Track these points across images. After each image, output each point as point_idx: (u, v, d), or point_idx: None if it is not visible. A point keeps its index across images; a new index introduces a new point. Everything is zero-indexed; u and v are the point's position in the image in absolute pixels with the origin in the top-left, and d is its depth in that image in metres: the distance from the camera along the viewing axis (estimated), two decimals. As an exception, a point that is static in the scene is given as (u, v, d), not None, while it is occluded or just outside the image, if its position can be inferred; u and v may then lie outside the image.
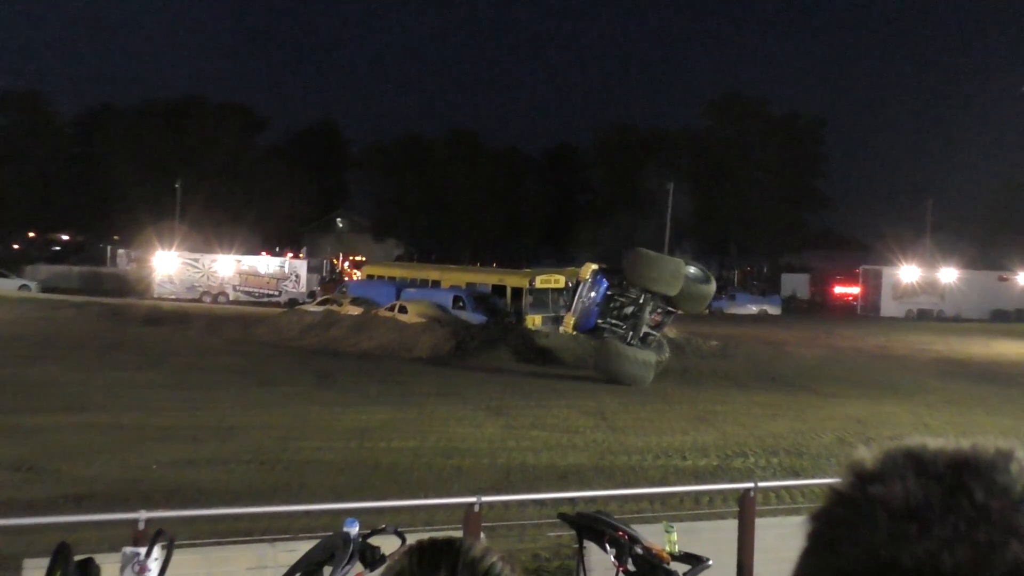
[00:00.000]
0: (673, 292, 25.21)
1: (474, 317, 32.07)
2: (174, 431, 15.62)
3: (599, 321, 25.63)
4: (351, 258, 78.45)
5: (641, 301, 25.24)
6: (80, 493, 11.55)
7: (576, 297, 26.06)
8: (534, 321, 33.43)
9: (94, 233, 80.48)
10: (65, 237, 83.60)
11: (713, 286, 26.62)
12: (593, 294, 25.57)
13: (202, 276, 53.40)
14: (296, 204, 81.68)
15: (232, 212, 74.77)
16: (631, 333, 25.22)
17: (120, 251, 67.20)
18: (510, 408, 19.53)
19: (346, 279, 63.32)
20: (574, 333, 26.30)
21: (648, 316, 25.73)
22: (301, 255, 69.84)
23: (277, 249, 73.68)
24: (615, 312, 25.70)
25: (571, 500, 11.07)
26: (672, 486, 12.62)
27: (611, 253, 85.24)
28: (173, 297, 51.76)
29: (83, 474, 12.58)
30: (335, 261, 75.66)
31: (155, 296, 51.67)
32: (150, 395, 19.68)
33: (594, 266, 26.02)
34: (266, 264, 56.06)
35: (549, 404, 20.34)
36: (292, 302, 50.10)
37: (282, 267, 55.82)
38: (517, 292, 34.48)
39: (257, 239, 72.06)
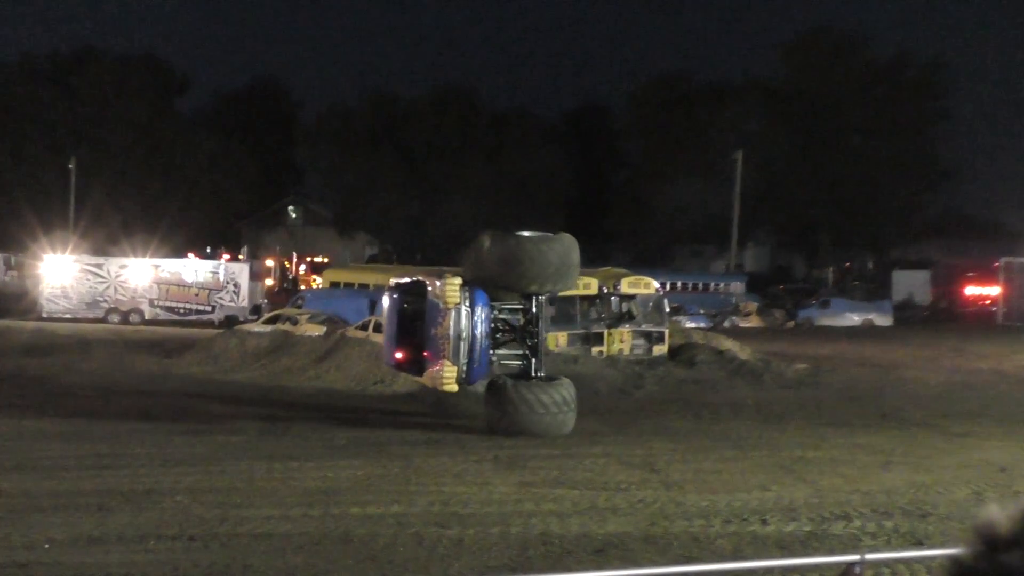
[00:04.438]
0: (571, 287, 24.92)
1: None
2: (73, 497, 15.61)
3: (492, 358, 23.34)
4: (308, 260, 78.84)
5: (534, 311, 23.43)
6: (-54, 583, 11.56)
7: (452, 335, 22.39)
8: (557, 339, 33.45)
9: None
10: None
11: None
12: (477, 320, 22.55)
13: (107, 287, 53.54)
14: (232, 189, 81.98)
15: (146, 201, 75.09)
16: (534, 362, 23.39)
17: (-5, 256, 67.38)
18: (526, 458, 19.47)
19: (302, 288, 63.58)
20: (455, 389, 22.86)
21: (544, 330, 24.45)
22: (241, 257, 70.00)
23: (208, 250, 73.90)
24: (499, 338, 23.76)
25: (612, 582, 11.04)
26: (749, 560, 12.55)
27: (655, 247, 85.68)
28: (68, 316, 51.90)
29: (-50, 557, 12.59)
30: (287, 264, 76.01)
31: (44, 315, 51.78)
32: (38, 450, 19.66)
33: (458, 280, 22.77)
34: (194, 270, 56.18)
35: (579, 452, 20.28)
36: (230, 320, 50.22)
37: (215, 273, 55.94)
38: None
39: (181, 236, 72.34)
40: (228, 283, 55.29)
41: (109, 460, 18.76)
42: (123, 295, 53.58)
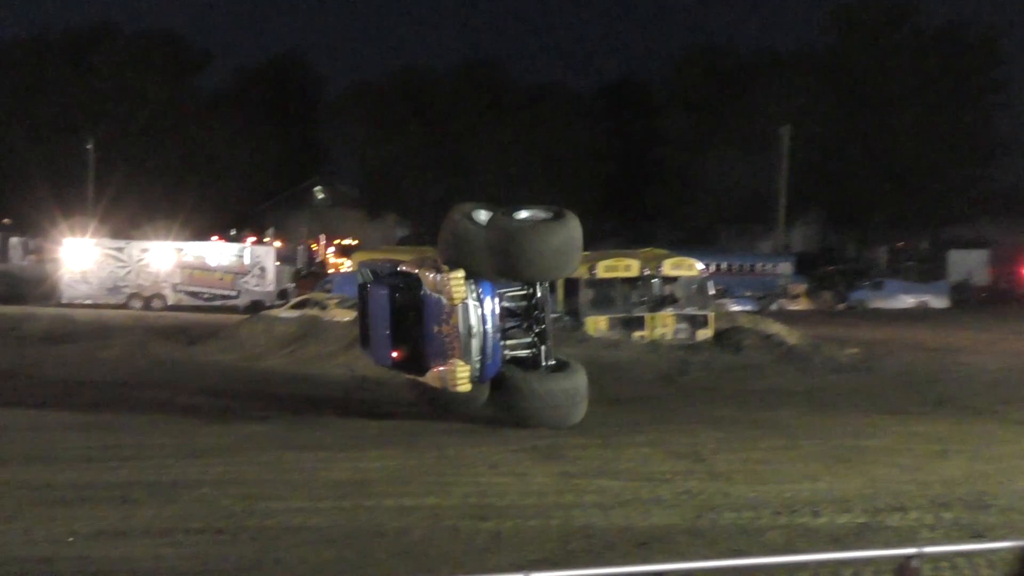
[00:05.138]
0: (572, 273, 24.51)
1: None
2: (96, 490, 15.72)
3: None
4: (336, 242, 78.99)
5: (539, 296, 22.79)
6: (-33, 578, 11.68)
7: (462, 333, 21.64)
8: (597, 324, 33.47)
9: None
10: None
11: None
12: (486, 315, 21.84)
13: (129, 272, 53.77)
14: (256, 169, 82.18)
15: (168, 182, 75.38)
16: (543, 348, 22.74)
17: (13, 239, 67.84)
18: (566, 448, 19.50)
19: (331, 271, 63.75)
20: (470, 388, 21.83)
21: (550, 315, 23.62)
22: (267, 239, 70.22)
23: (233, 232, 74.12)
24: (508, 329, 22.88)
25: (658, 575, 11.03)
26: (801, 554, 12.53)
27: (698, 227, 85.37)
28: (89, 302, 52.17)
29: (-29, 552, 12.72)
30: (314, 247, 76.15)
31: (64, 301, 52.08)
32: (59, 441, 19.80)
33: (461, 273, 21.71)
34: (218, 253, 56.38)
35: (621, 442, 20.28)
36: (256, 305, 50.38)
37: (240, 257, 56.11)
38: (571, 284, 34.51)
39: (204, 219, 72.57)
40: (254, 266, 55.42)
41: (132, 451, 18.87)
42: (145, 280, 53.77)
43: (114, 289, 53.49)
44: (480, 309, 21.81)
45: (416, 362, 22.78)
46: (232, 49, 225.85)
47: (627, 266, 34.98)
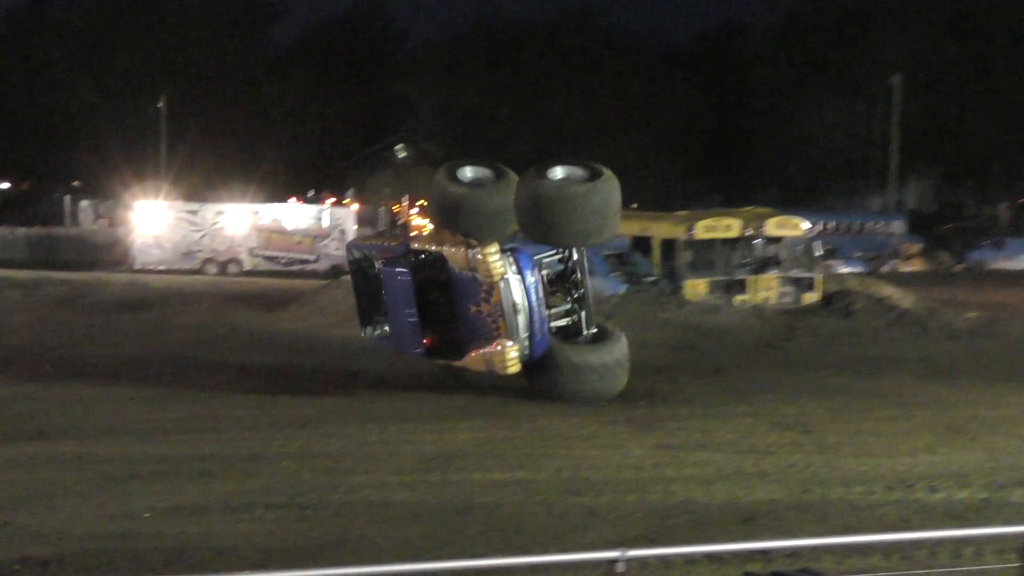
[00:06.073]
0: (610, 238, 23.74)
1: (605, 284, 32.03)
2: (172, 464, 15.93)
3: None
4: (420, 203, 79.11)
5: (576, 258, 22.27)
6: (43, 555, 11.85)
7: (507, 311, 20.92)
8: (696, 288, 33.32)
9: (45, 179, 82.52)
10: (4, 185, 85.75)
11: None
12: (529, 288, 21.17)
13: (203, 236, 54.26)
14: (334, 127, 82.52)
15: (242, 142, 75.98)
16: (583, 315, 22.32)
17: (83, 203, 68.87)
18: (664, 419, 19.48)
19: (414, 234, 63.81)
20: (519, 369, 21.30)
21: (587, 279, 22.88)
22: (346, 201, 70.56)
23: (311, 193, 74.52)
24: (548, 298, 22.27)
25: (763, 552, 11.00)
26: (916, 531, 12.44)
27: (803, 184, 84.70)
28: (162, 268, 52.75)
29: (45, 528, 12.92)
30: (396, 208, 76.42)
31: (136, 267, 52.69)
32: (134, 413, 20.03)
33: (495, 247, 21.02)
34: (296, 216, 56.71)
35: (722, 412, 20.22)
36: (335, 270, 50.65)
37: (319, 219, 56.42)
38: (669, 246, 34.40)
39: (281, 180, 73.08)
40: (333, 230, 55.64)
41: (210, 423, 19.07)
42: (220, 244, 54.21)
43: (188, 254, 53.99)
44: (522, 283, 21.26)
45: (450, 347, 22.14)
46: (306, 1, 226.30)
47: (728, 226, 34.77)
